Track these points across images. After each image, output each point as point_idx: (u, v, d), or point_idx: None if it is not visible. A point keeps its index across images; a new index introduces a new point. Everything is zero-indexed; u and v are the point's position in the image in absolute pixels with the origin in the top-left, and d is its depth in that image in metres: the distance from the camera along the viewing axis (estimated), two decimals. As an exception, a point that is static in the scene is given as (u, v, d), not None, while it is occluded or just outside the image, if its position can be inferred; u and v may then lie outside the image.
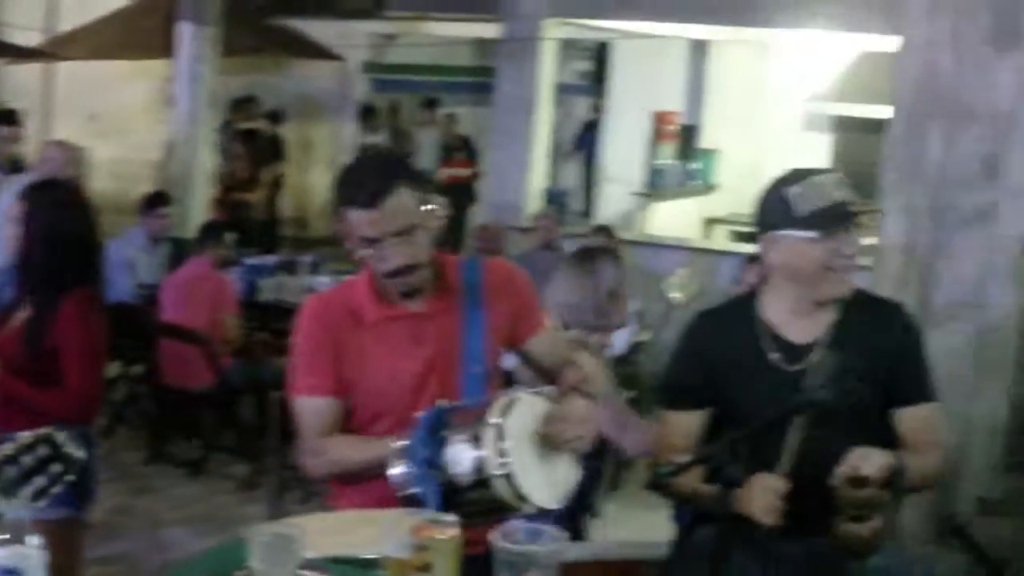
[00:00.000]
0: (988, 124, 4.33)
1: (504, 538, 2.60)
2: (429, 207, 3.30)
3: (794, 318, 3.53)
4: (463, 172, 13.62)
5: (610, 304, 4.61)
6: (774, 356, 3.50)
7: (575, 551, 3.87)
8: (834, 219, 3.38)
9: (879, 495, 3.18)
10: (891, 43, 4.62)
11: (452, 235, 12.93)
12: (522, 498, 3.09)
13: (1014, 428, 4.43)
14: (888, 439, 3.51)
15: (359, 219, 3.20)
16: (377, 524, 2.78)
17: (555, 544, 2.60)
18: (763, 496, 3.20)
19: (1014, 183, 4.33)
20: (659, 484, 3.32)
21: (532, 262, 8.90)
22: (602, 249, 4.85)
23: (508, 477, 3.05)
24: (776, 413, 3.21)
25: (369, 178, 3.25)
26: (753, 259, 3.87)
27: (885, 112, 4.71)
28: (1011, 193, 4.34)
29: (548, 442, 3.25)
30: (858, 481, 3.15)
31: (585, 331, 4.59)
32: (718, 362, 3.54)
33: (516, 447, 3.09)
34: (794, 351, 3.50)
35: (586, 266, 4.62)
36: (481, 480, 3.07)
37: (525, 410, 3.20)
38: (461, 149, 13.84)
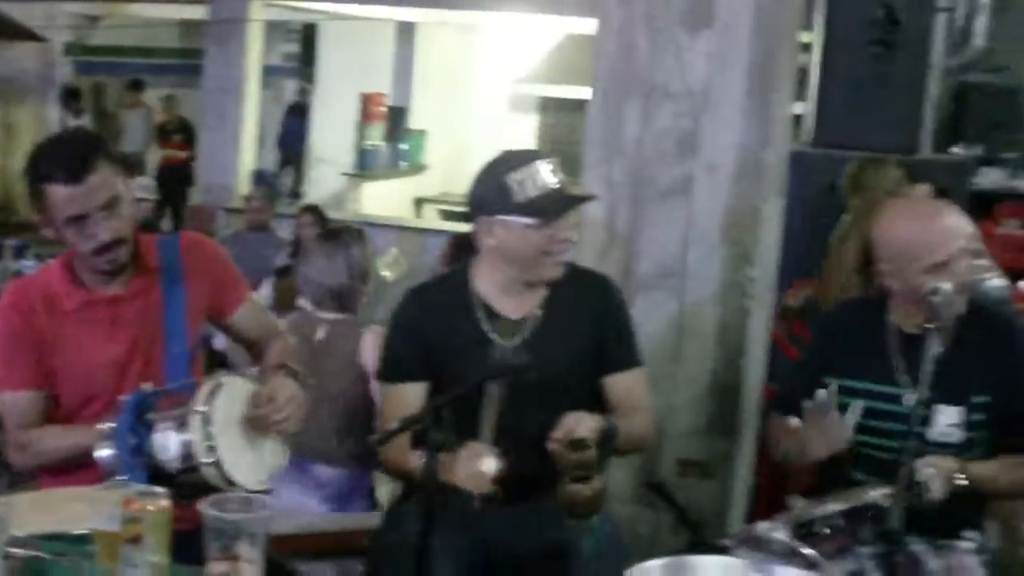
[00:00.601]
0: (683, 102, 4.51)
1: (214, 507, 2.62)
2: (127, 181, 3.28)
3: (506, 295, 3.63)
4: (180, 154, 13.43)
5: (361, 284, 4.67)
6: (489, 330, 3.59)
7: (286, 523, 3.91)
8: (552, 206, 3.50)
9: (597, 456, 3.30)
10: (591, 25, 4.75)
11: (172, 218, 12.77)
12: (231, 483, 3.11)
13: (715, 393, 4.61)
14: (596, 406, 3.64)
15: (62, 196, 3.16)
16: (87, 500, 2.77)
17: (264, 513, 2.64)
18: (469, 465, 3.29)
19: (709, 158, 4.52)
20: (373, 455, 3.37)
21: (243, 243, 8.88)
22: (350, 230, 4.89)
23: (216, 464, 3.07)
24: (475, 379, 3.30)
25: (67, 154, 3.20)
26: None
27: (587, 92, 4.84)
28: (706, 168, 4.52)
29: (255, 425, 3.28)
30: (576, 443, 3.28)
31: (337, 311, 4.64)
32: (434, 336, 3.61)
33: (223, 433, 3.11)
34: (508, 325, 3.59)
35: (338, 247, 4.66)
36: (190, 467, 3.08)
37: (231, 394, 3.22)
38: (179, 131, 13.64)
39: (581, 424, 3.37)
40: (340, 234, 4.83)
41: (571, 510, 3.39)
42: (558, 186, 3.53)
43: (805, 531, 3.33)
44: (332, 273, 4.67)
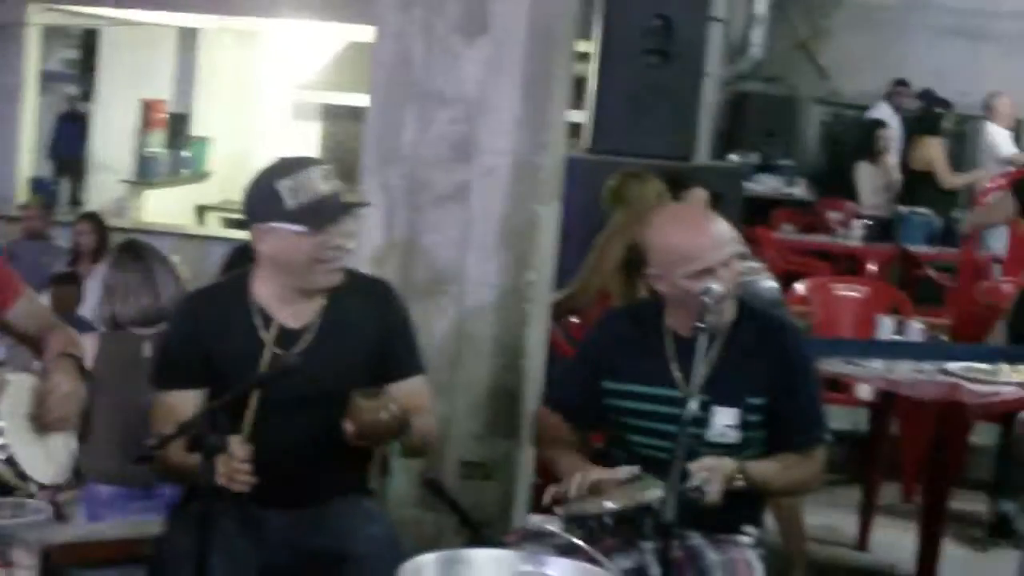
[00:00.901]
0: (459, 108, 4.56)
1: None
2: None
3: (284, 303, 3.63)
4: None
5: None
6: (268, 339, 3.59)
7: (68, 531, 3.86)
8: (322, 213, 3.51)
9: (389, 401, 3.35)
10: (370, 33, 4.78)
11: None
12: (25, 478, 3.08)
13: (496, 396, 4.66)
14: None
15: None
16: None
17: (39, 518, 2.62)
18: (225, 464, 3.30)
19: (485, 164, 4.57)
20: (149, 460, 3.34)
21: (20, 251, 8.70)
22: (146, 247, 4.84)
23: (8, 461, 3.04)
24: (247, 383, 3.31)
25: None
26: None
27: (367, 100, 4.86)
28: (482, 173, 4.58)
29: (41, 420, 3.25)
30: (372, 393, 3.32)
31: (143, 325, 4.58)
32: (213, 343, 3.60)
33: (12, 430, 3.08)
34: (287, 335, 3.60)
35: (151, 265, 4.60)
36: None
37: (17, 391, 3.19)
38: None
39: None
40: (143, 251, 4.80)
41: (371, 438, 3.44)
42: (330, 193, 3.54)
43: (584, 530, 3.40)
44: (153, 292, 4.66)
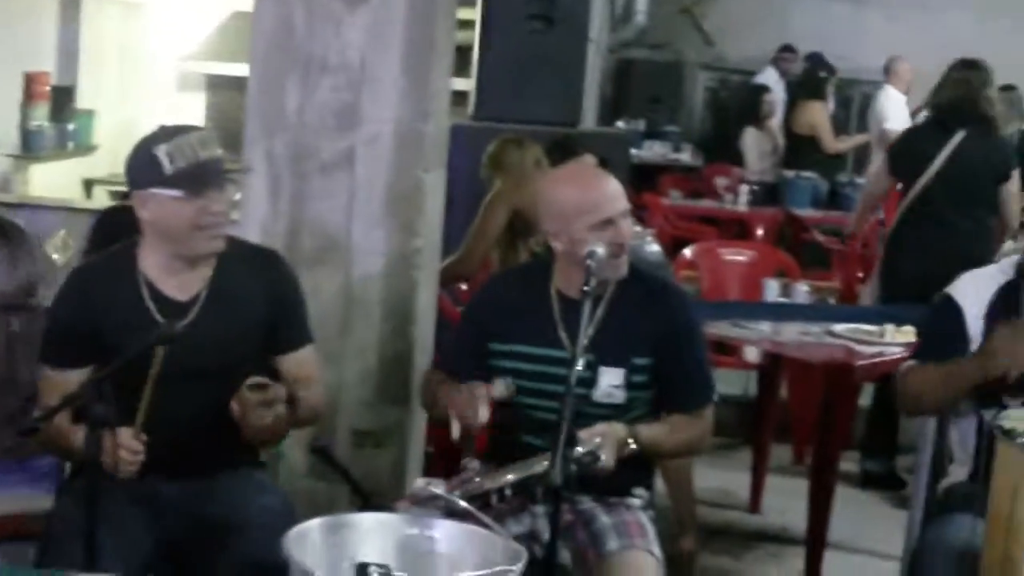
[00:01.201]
0: (342, 76, 4.54)
1: None
2: None
3: (170, 274, 3.60)
4: None
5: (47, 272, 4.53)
6: (155, 311, 3.56)
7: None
8: (201, 178, 3.48)
9: (278, 395, 3.34)
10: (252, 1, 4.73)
11: None
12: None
13: (386, 363, 4.67)
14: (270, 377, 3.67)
15: None
16: None
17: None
18: (115, 451, 3.28)
19: (369, 131, 4.56)
20: (35, 432, 3.32)
21: None
22: (11, 224, 4.75)
23: None
24: (133, 352, 3.29)
25: None
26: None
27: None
28: (366, 141, 4.56)
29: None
30: (259, 386, 3.32)
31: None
32: (101, 317, 3.56)
33: None
34: (175, 307, 3.57)
35: (17, 243, 4.52)
36: None
37: None
38: None
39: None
40: (5, 229, 4.72)
41: (257, 438, 3.44)
42: (209, 158, 3.52)
43: (480, 501, 3.42)
44: (15, 269, 4.58)
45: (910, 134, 7.42)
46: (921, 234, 6.77)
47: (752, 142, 12.49)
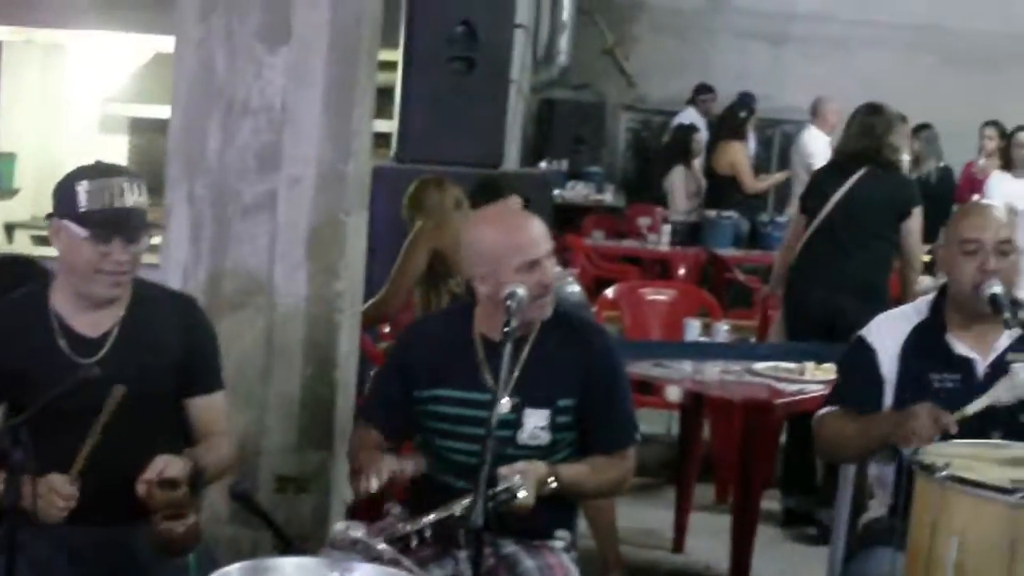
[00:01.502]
0: (263, 118, 4.53)
1: None
2: None
3: (80, 311, 3.57)
4: None
5: None
6: (66, 348, 3.53)
7: None
8: (111, 226, 3.46)
9: (187, 495, 3.31)
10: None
11: None
12: None
13: (308, 407, 4.64)
14: (178, 427, 3.64)
15: None
16: None
17: None
18: (48, 497, 3.25)
19: (291, 173, 4.55)
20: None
21: None
22: None
23: None
24: (53, 394, 3.25)
25: None
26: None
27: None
28: (288, 183, 4.55)
29: None
30: (167, 483, 3.28)
31: None
32: (11, 356, 3.53)
33: None
34: (86, 344, 3.54)
35: None
36: None
37: None
38: None
39: (171, 465, 3.38)
40: None
41: (165, 548, 3.39)
42: (128, 207, 3.50)
43: (402, 544, 3.40)
44: None
45: (816, 174, 7.50)
46: (819, 265, 6.85)
47: (681, 182, 12.57)
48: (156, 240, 4.56)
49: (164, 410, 3.66)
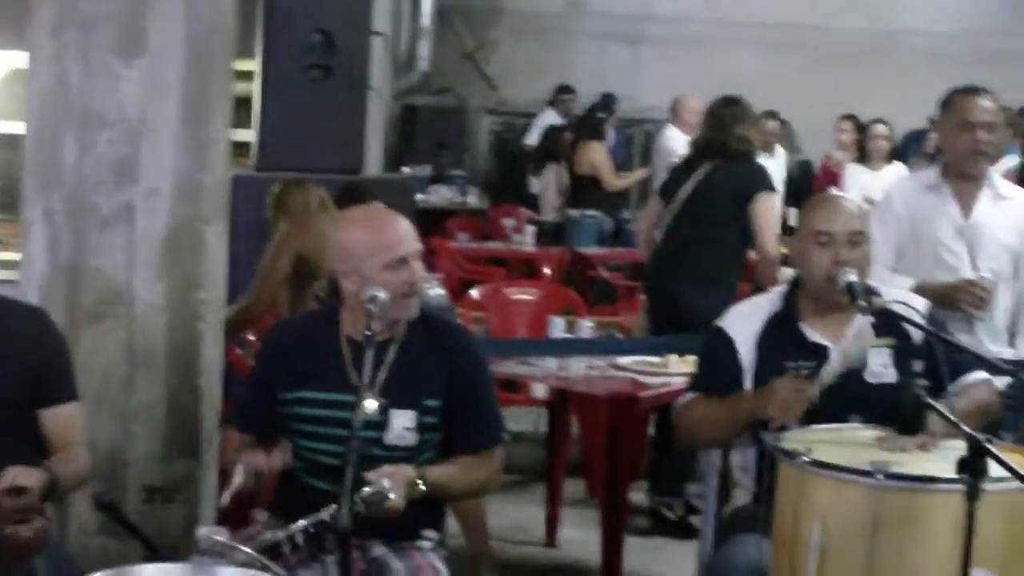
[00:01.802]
0: (119, 130, 4.51)
1: None
2: None
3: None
4: None
5: None
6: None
7: None
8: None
9: (36, 502, 3.31)
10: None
11: None
12: None
13: (173, 417, 4.63)
14: (33, 439, 3.63)
15: None
16: None
17: None
18: None
19: (148, 184, 4.54)
20: None
21: None
22: None
23: None
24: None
25: None
26: None
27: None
28: (145, 194, 4.54)
29: None
30: (16, 491, 3.27)
31: None
32: None
33: None
34: None
35: None
36: None
37: None
38: None
39: (22, 476, 3.38)
40: None
41: (13, 552, 3.38)
42: None
43: (273, 552, 3.41)
44: None
45: (671, 171, 7.60)
46: (671, 261, 6.97)
47: (554, 182, 12.68)
48: (16, 256, 4.56)
49: (16, 421, 3.66)
